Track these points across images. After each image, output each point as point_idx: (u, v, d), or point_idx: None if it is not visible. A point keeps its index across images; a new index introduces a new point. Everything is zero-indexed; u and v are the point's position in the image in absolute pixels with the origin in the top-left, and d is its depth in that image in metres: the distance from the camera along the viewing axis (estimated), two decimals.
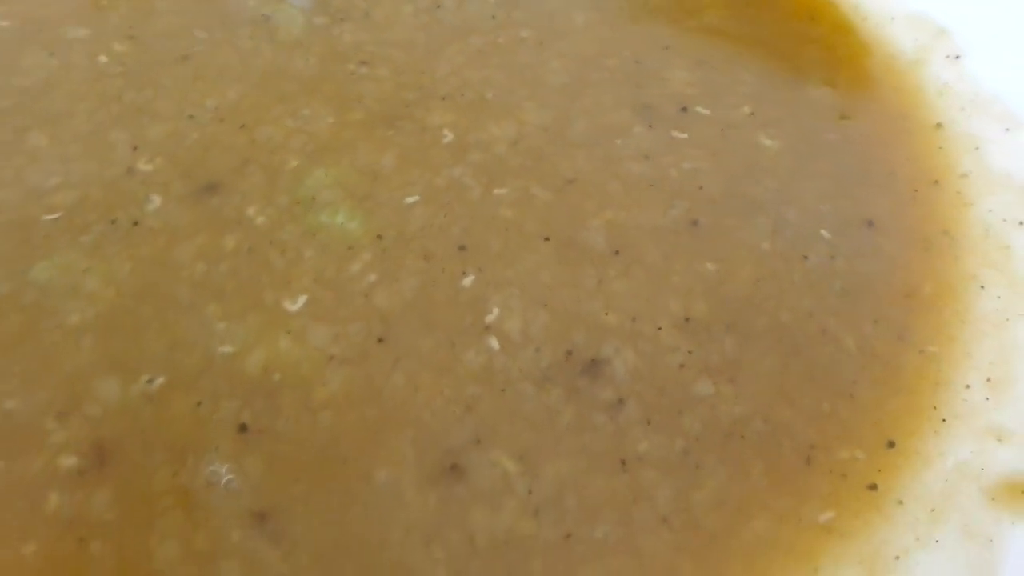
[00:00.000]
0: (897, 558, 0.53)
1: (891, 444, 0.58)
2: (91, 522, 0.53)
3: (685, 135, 0.71)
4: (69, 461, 0.55)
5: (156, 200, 0.65)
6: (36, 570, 0.51)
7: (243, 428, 0.56)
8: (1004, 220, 0.67)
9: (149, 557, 0.52)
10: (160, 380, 0.57)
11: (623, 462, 0.56)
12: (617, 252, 0.65)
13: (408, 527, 0.53)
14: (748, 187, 0.69)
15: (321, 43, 0.75)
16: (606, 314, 0.62)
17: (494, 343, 0.60)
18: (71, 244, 0.63)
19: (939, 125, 0.74)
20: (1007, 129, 0.72)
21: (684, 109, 0.73)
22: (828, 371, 0.61)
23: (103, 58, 0.74)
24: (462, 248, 0.64)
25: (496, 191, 0.67)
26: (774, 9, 0.81)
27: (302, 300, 0.61)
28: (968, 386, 0.60)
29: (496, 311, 0.61)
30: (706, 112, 0.73)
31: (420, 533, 0.53)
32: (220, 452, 0.55)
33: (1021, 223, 0.67)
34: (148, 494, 0.54)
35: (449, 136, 0.70)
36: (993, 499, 0.55)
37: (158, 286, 0.61)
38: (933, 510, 0.55)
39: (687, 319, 0.62)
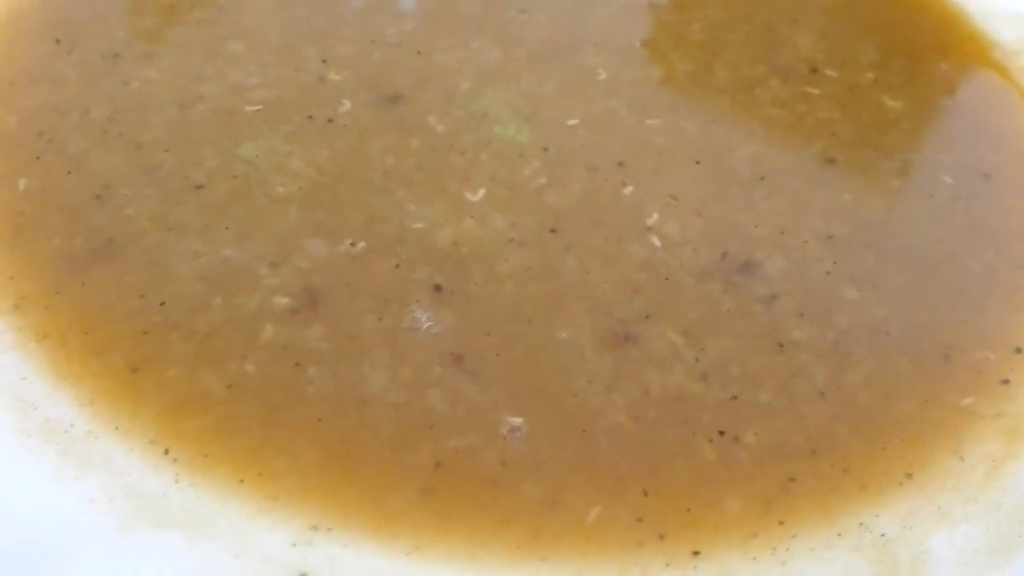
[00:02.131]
0: None
1: (1018, 350, 0.64)
2: (306, 350, 0.58)
3: (816, 91, 0.78)
4: (283, 301, 0.60)
5: (347, 104, 0.72)
6: (261, 385, 0.56)
7: (438, 288, 0.62)
8: None
9: (363, 381, 0.57)
10: (362, 244, 0.63)
11: (780, 344, 0.62)
12: (762, 178, 0.71)
13: (590, 378, 0.59)
14: (876, 136, 0.76)
15: None
16: (756, 227, 0.68)
17: (656, 241, 0.66)
18: (273, 131, 0.69)
19: None
20: None
21: (814, 70, 0.80)
22: (958, 288, 0.66)
23: None
24: (620, 164, 0.70)
25: (648, 121, 0.74)
26: None
27: (481, 192, 0.67)
28: None
29: (656, 216, 0.67)
30: (834, 74, 0.80)
31: (601, 383, 0.58)
32: (420, 304, 0.60)
33: None
34: (357, 332, 0.59)
35: (603, 74, 0.77)
36: None
37: (354, 171, 0.67)
38: None
39: (830, 236, 0.68)
